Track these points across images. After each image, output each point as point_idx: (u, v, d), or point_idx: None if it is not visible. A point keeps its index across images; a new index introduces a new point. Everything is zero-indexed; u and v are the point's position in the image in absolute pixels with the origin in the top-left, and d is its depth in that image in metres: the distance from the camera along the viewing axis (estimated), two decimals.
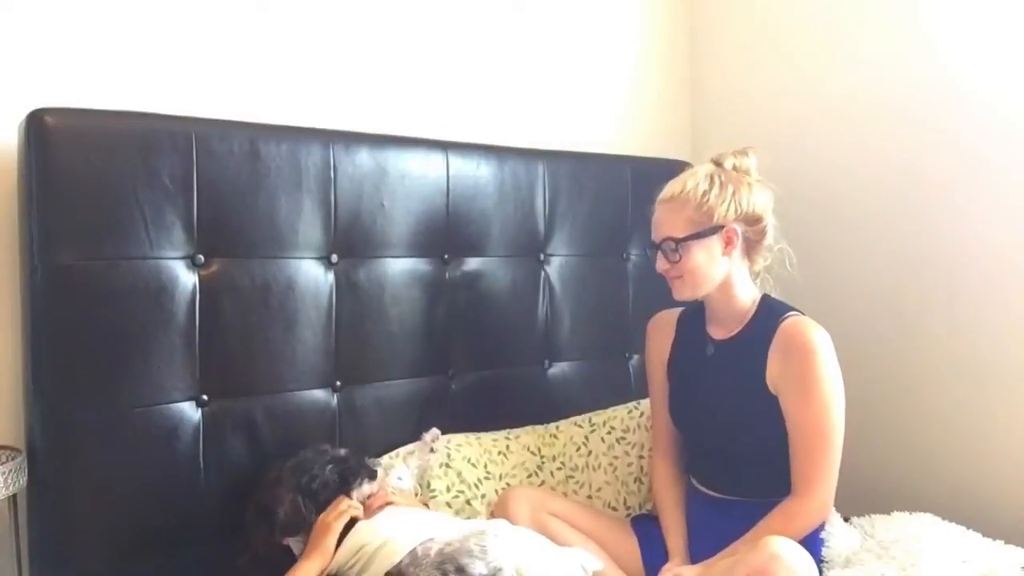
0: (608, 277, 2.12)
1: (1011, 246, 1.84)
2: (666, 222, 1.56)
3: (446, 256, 1.85)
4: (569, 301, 2.05)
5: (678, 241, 1.53)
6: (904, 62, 2.01)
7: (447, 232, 1.84)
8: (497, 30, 2.12)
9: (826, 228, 2.18)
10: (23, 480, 1.36)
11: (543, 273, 2.01)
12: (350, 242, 1.70)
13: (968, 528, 1.64)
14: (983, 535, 1.62)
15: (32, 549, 1.43)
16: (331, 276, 1.68)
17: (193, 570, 1.52)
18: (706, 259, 1.54)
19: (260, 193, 1.58)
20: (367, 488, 1.52)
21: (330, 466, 1.51)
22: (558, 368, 2.04)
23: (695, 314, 1.69)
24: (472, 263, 1.89)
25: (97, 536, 1.44)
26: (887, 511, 1.71)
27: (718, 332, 1.64)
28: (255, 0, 1.75)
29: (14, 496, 1.38)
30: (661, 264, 1.57)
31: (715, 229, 1.53)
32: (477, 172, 1.89)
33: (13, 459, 1.36)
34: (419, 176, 1.79)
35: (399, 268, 1.77)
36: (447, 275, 1.85)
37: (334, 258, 1.68)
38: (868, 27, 2.09)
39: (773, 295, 1.65)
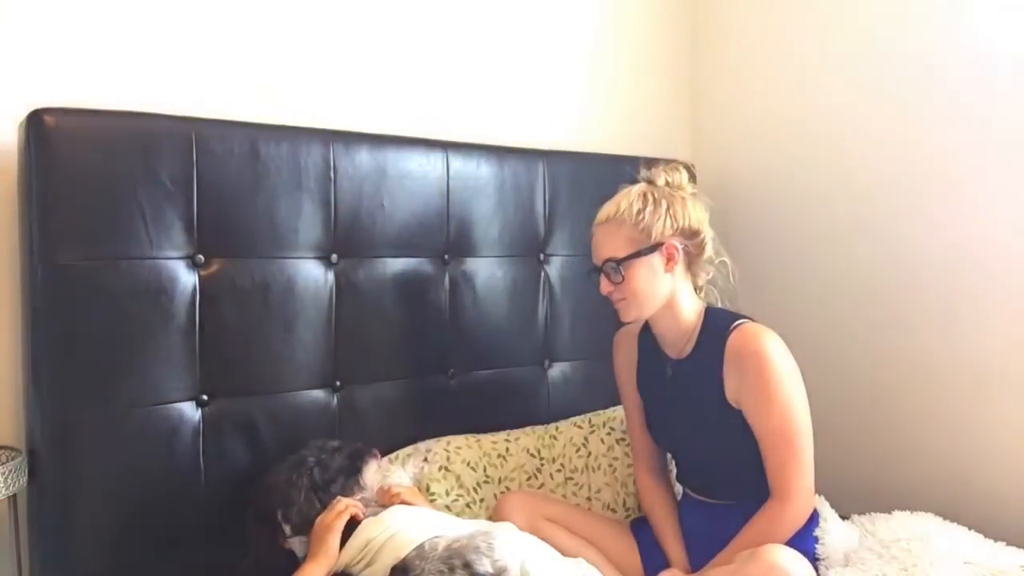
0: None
1: (1010, 246, 1.84)
2: (605, 244, 1.55)
3: (446, 256, 1.85)
4: (569, 301, 2.05)
5: (619, 261, 1.52)
6: (904, 63, 2.01)
7: (447, 232, 1.84)
8: (497, 30, 2.12)
9: (827, 227, 2.18)
10: (23, 480, 1.36)
11: (543, 273, 2.01)
12: (350, 242, 1.70)
13: (969, 528, 1.63)
14: (984, 535, 1.61)
15: (32, 549, 1.43)
16: (331, 276, 1.68)
17: (193, 570, 1.52)
18: (649, 277, 1.53)
19: (260, 193, 1.58)
20: (374, 464, 1.53)
21: (335, 454, 1.52)
22: (558, 368, 2.04)
23: (649, 332, 1.67)
24: (472, 263, 1.89)
25: (97, 536, 1.44)
26: (887, 511, 1.71)
27: (671, 351, 1.63)
28: (255, 1, 1.75)
29: (14, 496, 1.38)
30: (605, 287, 1.56)
31: (654, 247, 1.52)
32: (477, 172, 1.89)
33: (13, 459, 1.36)
34: (419, 176, 1.79)
35: (399, 268, 1.77)
36: (447, 275, 1.85)
37: (334, 258, 1.68)
38: (868, 28, 2.09)
39: (718, 304, 1.64)
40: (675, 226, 1.53)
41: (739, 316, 1.56)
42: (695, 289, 1.61)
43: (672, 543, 1.63)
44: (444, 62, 2.03)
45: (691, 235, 1.56)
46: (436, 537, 1.32)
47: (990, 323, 1.88)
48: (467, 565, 1.24)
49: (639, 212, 1.53)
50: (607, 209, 1.57)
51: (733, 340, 1.51)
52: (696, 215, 1.57)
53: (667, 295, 1.55)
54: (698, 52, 2.51)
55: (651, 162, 1.64)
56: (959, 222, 1.92)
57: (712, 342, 1.54)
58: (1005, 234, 1.85)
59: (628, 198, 1.55)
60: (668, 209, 1.53)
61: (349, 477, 1.50)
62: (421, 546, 1.31)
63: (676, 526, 1.66)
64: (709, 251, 1.59)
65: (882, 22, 2.06)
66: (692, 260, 1.58)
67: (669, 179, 1.58)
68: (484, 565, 1.25)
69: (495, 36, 2.12)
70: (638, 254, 1.52)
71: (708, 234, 1.58)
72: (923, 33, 1.98)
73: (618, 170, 2.11)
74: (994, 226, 1.86)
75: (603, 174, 2.10)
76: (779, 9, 2.30)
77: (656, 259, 1.53)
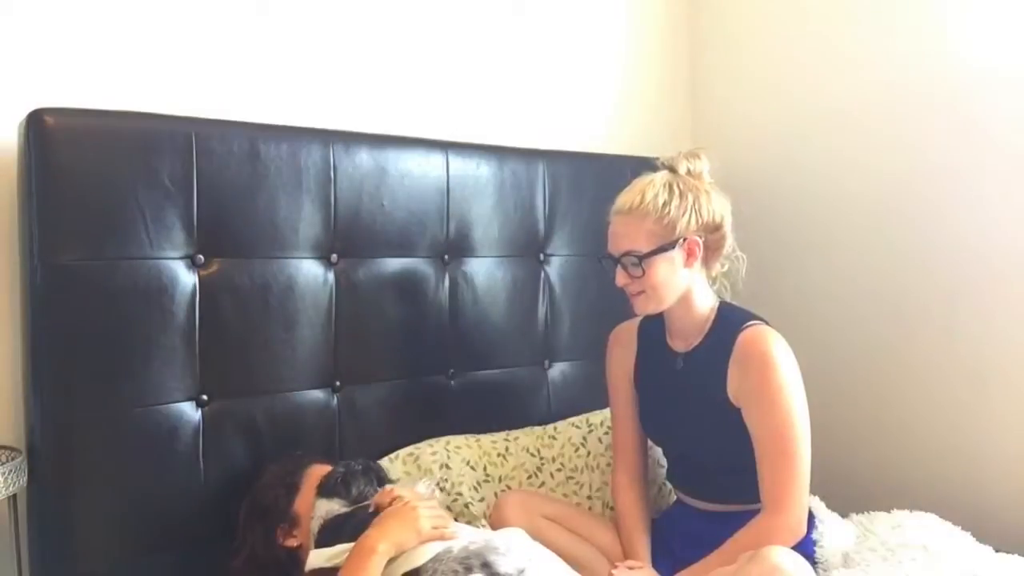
0: (608, 277, 2.10)
1: (1011, 245, 1.84)
2: (625, 235, 1.50)
3: (446, 256, 1.85)
4: (569, 301, 2.05)
5: (641, 256, 1.48)
6: (904, 61, 2.01)
7: (447, 232, 1.84)
8: (497, 30, 2.12)
9: (827, 226, 2.19)
10: (23, 480, 1.36)
11: (543, 273, 2.01)
12: (350, 242, 1.70)
13: (968, 528, 1.63)
14: (982, 535, 1.62)
15: (32, 549, 1.43)
16: (331, 276, 1.68)
17: (193, 570, 1.52)
18: (668, 273, 1.50)
19: (260, 193, 1.58)
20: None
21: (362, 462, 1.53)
22: (558, 368, 2.04)
23: (654, 325, 1.65)
24: (472, 263, 1.89)
25: (97, 536, 1.44)
26: (887, 510, 1.71)
27: (678, 344, 1.61)
28: (255, 1, 1.75)
29: (14, 496, 1.38)
30: (621, 279, 1.53)
31: (677, 242, 1.50)
32: (477, 172, 1.89)
33: (13, 459, 1.36)
34: (419, 176, 1.79)
35: (399, 268, 1.77)
36: (447, 275, 1.85)
37: (334, 258, 1.68)
38: (868, 26, 2.09)
39: (727, 298, 1.63)
40: (699, 221, 1.50)
41: (753, 316, 1.55)
42: (709, 280, 1.59)
43: (641, 550, 1.60)
44: (444, 62, 2.03)
45: (713, 229, 1.53)
46: (449, 548, 1.31)
47: (990, 323, 1.88)
48: (486, 565, 1.24)
49: (664, 205, 1.48)
50: (629, 198, 1.51)
51: (743, 338, 1.50)
52: (719, 208, 1.54)
53: (684, 289, 1.53)
54: (698, 52, 2.51)
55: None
56: (959, 221, 1.92)
57: (721, 337, 1.53)
58: (1006, 233, 1.85)
59: (652, 188, 1.50)
60: (694, 203, 1.49)
61: (375, 480, 1.50)
62: (436, 556, 1.30)
63: (647, 533, 1.63)
64: (728, 244, 1.57)
65: (883, 21, 2.06)
66: (710, 253, 1.56)
67: (691, 167, 1.54)
68: (505, 565, 1.25)
69: (494, 36, 2.12)
70: (661, 249, 1.48)
71: (728, 226, 1.55)
72: (924, 31, 1.98)
73: (618, 170, 2.11)
74: (995, 225, 1.87)
75: (603, 174, 2.10)
76: (779, 9, 2.30)
77: (677, 254, 1.50)
